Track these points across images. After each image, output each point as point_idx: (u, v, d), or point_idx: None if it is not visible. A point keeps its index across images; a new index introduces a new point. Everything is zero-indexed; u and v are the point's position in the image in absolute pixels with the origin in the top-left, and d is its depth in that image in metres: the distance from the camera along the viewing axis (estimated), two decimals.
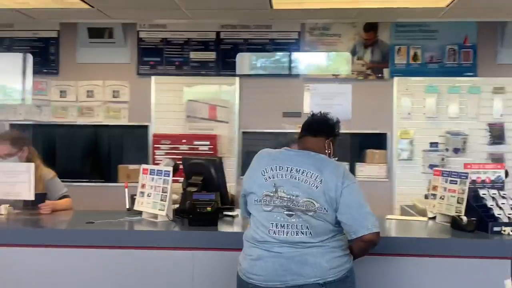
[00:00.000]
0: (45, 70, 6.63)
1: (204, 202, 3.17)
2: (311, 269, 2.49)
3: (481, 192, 3.20)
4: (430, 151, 6.33)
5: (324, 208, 2.52)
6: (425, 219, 3.45)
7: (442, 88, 6.34)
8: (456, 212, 3.14)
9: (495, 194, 3.19)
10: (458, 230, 3.04)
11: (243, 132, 6.54)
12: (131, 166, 6.34)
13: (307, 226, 2.52)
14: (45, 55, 6.63)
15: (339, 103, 6.34)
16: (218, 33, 6.53)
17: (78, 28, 6.51)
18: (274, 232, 2.55)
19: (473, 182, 3.25)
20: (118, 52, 6.57)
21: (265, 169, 2.63)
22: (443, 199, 3.26)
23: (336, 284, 2.52)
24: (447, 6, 5.44)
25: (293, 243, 2.52)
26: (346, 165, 3.29)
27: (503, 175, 3.29)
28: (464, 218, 3.06)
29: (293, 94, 6.49)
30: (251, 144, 6.61)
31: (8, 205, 3.41)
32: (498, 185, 3.27)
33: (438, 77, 6.33)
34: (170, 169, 3.32)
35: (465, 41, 6.33)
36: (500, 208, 3.11)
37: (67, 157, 6.51)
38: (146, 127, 6.53)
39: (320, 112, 2.87)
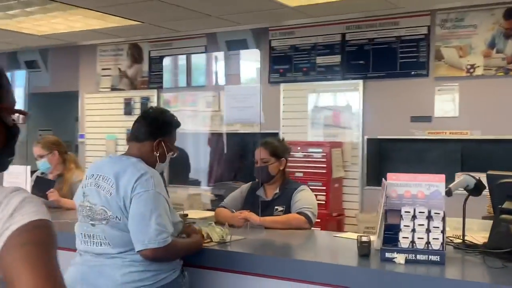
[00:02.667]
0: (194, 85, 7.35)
1: None
2: (105, 281, 2.47)
3: (404, 209, 2.65)
4: None
5: (117, 217, 2.47)
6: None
7: None
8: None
9: (422, 213, 2.61)
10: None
11: (368, 139, 6.23)
12: None
13: (104, 237, 2.51)
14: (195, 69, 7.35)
15: (475, 105, 5.57)
16: (343, 35, 6.36)
17: (219, 42, 7.03)
18: (82, 242, 2.60)
19: (400, 196, 2.71)
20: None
21: (85, 178, 2.68)
22: None
23: None
24: None
25: (97, 254, 2.53)
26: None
27: (441, 189, 2.66)
28: (365, 239, 2.59)
29: (422, 97, 5.95)
30: (377, 152, 6.26)
31: None
32: (435, 202, 2.66)
33: None
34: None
35: None
36: (413, 230, 2.55)
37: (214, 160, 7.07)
38: (276, 134, 6.68)
39: (150, 108, 2.85)
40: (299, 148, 6.23)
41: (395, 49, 6.07)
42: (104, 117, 7.92)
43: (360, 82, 6.22)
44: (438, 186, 2.66)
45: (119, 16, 4.55)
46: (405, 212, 2.63)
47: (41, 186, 4.07)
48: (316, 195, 3.65)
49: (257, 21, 6.04)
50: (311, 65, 6.54)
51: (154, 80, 7.59)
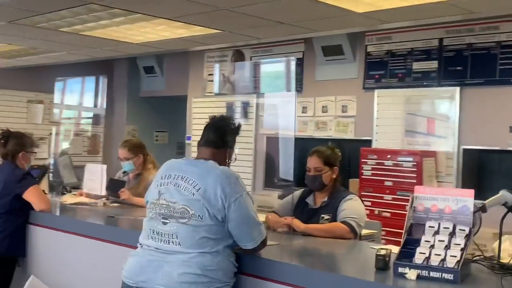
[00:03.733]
0: (292, 90, 7.43)
1: None
2: (162, 276, 2.60)
3: (429, 224, 2.56)
4: None
5: (199, 216, 2.60)
6: None
7: None
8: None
9: (446, 228, 2.51)
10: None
11: (464, 149, 5.93)
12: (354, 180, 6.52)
13: (177, 235, 2.63)
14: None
15: None
16: (441, 40, 6.12)
17: (315, 47, 7.07)
18: (149, 237, 2.74)
19: (426, 210, 2.62)
20: (348, 68, 6.85)
21: (159, 177, 2.83)
22: None
23: None
24: None
25: (161, 250, 2.67)
26: None
27: (470, 205, 2.53)
28: (383, 252, 2.54)
29: None
30: (474, 163, 5.96)
31: (105, 198, 4.37)
32: (462, 218, 2.54)
33: None
34: None
35: None
36: (432, 246, 2.46)
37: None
38: (369, 141, 6.59)
39: (221, 117, 2.94)
40: (389, 156, 6.10)
41: (495, 55, 5.73)
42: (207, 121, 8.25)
43: (457, 89, 5.95)
44: (466, 201, 2.54)
45: (198, 25, 4.76)
46: (429, 227, 2.55)
47: (114, 186, 4.42)
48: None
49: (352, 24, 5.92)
50: (407, 71, 6.36)
51: (255, 85, 7.77)
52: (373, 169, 6.18)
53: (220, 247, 2.64)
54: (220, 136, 2.83)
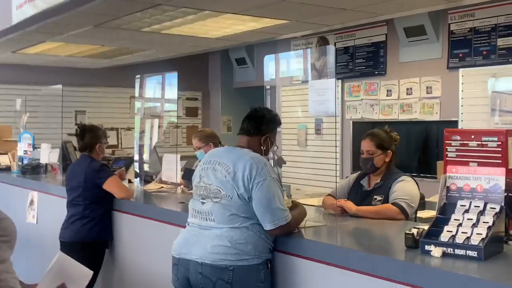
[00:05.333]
0: (376, 72, 7.44)
1: None
2: (199, 248, 2.92)
3: (460, 203, 2.61)
4: None
5: (229, 196, 2.89)
6: None
7: None
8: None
9: (477, 207, 2.55)
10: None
11: None
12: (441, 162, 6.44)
13: (212, 213, 2.94)
14: (376, 58, 7.45)
15: None
16: None
17: (397, 29, 7.00)
18: (192, 216, 3.08)
19: (459, 189, 2.66)
20: (431, 48, 6.76)
21: (202, 163, 3.15)
22: None
23: (212, 269, 2.85)
24: None
25: (201, 226, 3.00)
26: None
27: (501, 183, 2.54)
28: (414, 230, 2.62)
29: None
30: None
31: (182, 185, 4.67)
32: (494, 196, 2.56)
33: None
34: None
35: None
36: (460, 225, 2.51)
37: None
38: (455, 122, 6.43)
39: (259, 107, 3.21)
40: (472, 136, 5.93)
41: None
42: (295, 108, 8.30)
43: None
44: (498, 180, 2.57)
45: (265, 17, 4.93)
46: (461, 205, 2.60)
47: (189, 174, 4.66)
48: None
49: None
50: (491, 48, 6.16)
51: (339, 71, 7.82)
52: (457, 150, 6.02)
53: (248, 223, 2.88)
54: (254, 125, 3.11)
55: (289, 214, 2.89)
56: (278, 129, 3.27)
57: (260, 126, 3.11)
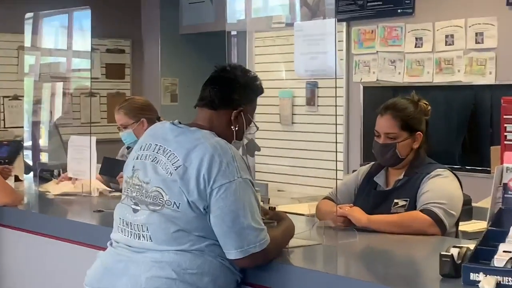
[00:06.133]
0: (399, 10, 7.46)
1: None
2: (127, 281, 2.89)
3: None
4: None
5: (175, 203, 2.85)
6: None
7: None
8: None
9: None
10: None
11: None
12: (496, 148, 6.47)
13: (147, 228, 2.90)
14: None
15: None
16: None
17: None
18: (118, 229, 3.05)
19: None
20: None
21: (139, 147, 3.11)
22: None
23: None
24: None
25: (131, 247, 2.96)
26: None
27: None
28: (454, 251, 2.65)
29: None
30: None
31: (99, 187, 4.64)
32: None
33: None
34: None
35: None
36: None
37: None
38: None
39: (228, 65, 3.17)
40: None
41: None
42: (275, 66, 8.33)
43: None
44: None
45: None
46: None
47: (110, 167, 4.71)
48: None
49: None
50: None
51: (343, 9, 7.84)
52: None
53: (204, 244, 2.86)
54: (221, 93, 3.05)
55: (267, 235, 2.87)
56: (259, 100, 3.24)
57: (230, 94, 3.07)
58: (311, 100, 8.06)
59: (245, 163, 2.96)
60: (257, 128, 3.33)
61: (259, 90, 3.19)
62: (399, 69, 7.47)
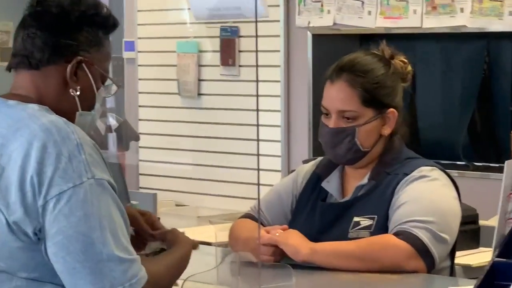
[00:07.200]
0: None
1: None
2: None
3: None
4: None
5: None
6: None
7: None
8: None
9: None
10: None
11: None
12: None
13: None
14: None
15: None
16: None
17: None
18: None
19: None
20: None
21: None
22: None
23: None
24: None
25: None
26: None
27: None
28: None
29: None
30: None
31: None
32: None
33: None
34: None
35: None
36: None
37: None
38: None
39: None
40: None
41: None
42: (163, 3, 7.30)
43: None
44: None
45: None
46: None
47: None
48: None
49: None
50: None
51: None
52: None
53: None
54: (40, 39, 2.35)
55: (141, 269, 2.23)
56: (110, 40, 2.50)
57: (57, 38, 2.35)
58: (228, 58, 6.79)
59: (98, 153, 2.28)
60: (118, 87, 2.69)
61: (108, 22, 2.40)
62: (369, 7, 6.25)
